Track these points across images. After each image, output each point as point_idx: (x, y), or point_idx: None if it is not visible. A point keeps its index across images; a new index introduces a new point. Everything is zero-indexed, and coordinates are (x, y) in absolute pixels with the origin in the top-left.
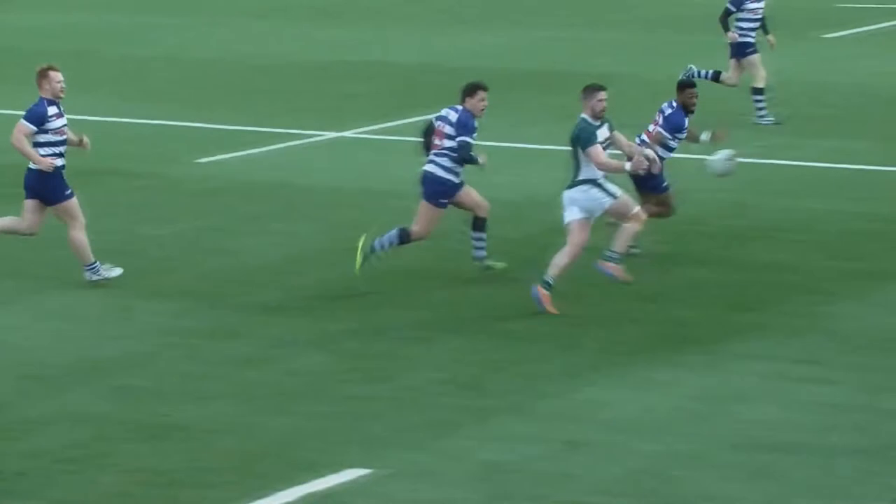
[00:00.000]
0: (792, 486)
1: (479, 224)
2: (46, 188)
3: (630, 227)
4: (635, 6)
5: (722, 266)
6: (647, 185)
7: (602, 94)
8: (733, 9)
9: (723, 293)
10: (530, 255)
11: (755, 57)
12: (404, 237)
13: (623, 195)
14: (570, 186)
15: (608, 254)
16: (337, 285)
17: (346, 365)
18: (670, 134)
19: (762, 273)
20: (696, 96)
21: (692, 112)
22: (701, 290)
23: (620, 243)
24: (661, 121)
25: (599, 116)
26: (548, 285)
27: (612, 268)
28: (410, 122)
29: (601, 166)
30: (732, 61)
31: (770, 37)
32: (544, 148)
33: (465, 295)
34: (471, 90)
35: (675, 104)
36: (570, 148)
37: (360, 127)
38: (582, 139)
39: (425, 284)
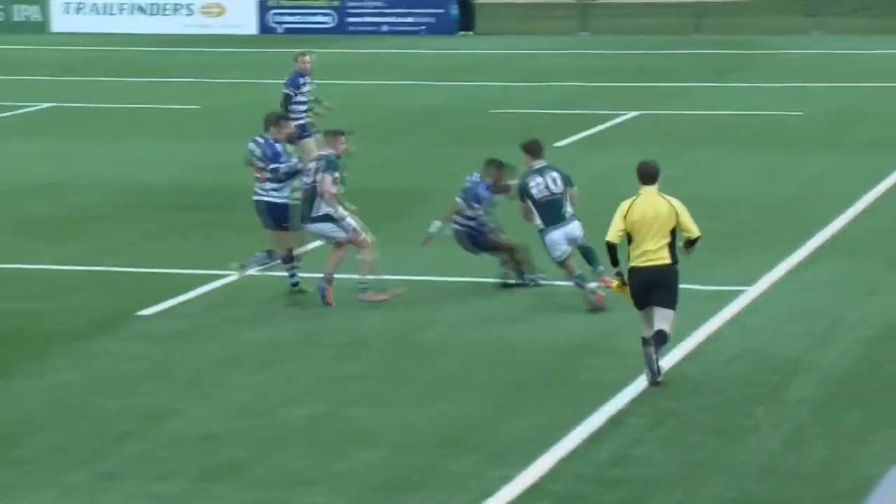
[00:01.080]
0: None
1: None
2: None
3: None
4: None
5: None
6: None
7: (343, 138)
8: (293, 93)
9: None
10: None
11: (311, 140)
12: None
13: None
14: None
15: (359, 286)
16: None
17: None
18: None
19: None
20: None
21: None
22: None
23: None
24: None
25: (340, 156)
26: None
27: (369, 296)
28: None
29: (324, 194)
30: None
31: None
32: None
33: None
34: (273, 120)
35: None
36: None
37: None
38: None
39: None
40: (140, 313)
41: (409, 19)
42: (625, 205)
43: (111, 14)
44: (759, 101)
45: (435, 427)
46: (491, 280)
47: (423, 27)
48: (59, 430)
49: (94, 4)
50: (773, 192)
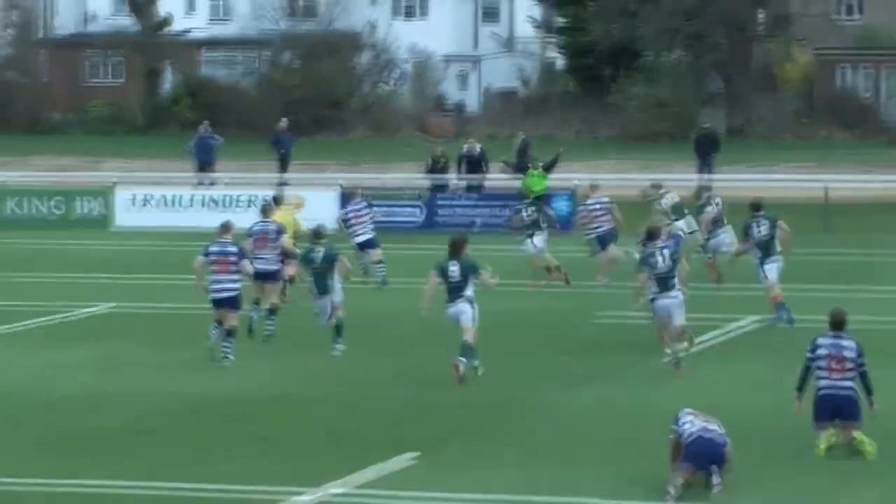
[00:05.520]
0: None
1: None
2: None
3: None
4: None
5: None
6: None
7: None
8: None
9: None
10: None
11: None
12: None
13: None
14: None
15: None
16: None
17: None
18: None
19: None
20: None
21: None
22: None
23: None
24: None
25: None
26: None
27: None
28: None
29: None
30: None
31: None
32: None
33: None
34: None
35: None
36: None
37: None
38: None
39: None
40: None
41: None
42: None
43: (180, 207)
44: None
45: None
46: None
47: None
48: None
49: (163, 196)
50: None
